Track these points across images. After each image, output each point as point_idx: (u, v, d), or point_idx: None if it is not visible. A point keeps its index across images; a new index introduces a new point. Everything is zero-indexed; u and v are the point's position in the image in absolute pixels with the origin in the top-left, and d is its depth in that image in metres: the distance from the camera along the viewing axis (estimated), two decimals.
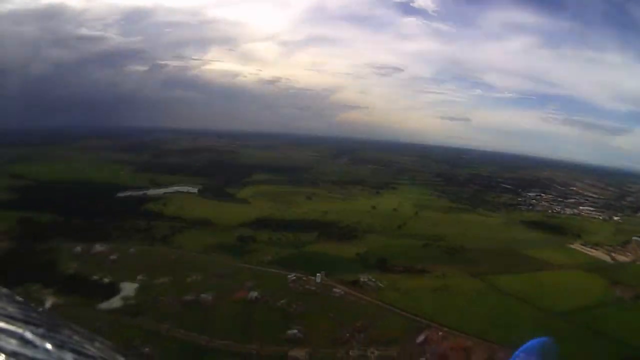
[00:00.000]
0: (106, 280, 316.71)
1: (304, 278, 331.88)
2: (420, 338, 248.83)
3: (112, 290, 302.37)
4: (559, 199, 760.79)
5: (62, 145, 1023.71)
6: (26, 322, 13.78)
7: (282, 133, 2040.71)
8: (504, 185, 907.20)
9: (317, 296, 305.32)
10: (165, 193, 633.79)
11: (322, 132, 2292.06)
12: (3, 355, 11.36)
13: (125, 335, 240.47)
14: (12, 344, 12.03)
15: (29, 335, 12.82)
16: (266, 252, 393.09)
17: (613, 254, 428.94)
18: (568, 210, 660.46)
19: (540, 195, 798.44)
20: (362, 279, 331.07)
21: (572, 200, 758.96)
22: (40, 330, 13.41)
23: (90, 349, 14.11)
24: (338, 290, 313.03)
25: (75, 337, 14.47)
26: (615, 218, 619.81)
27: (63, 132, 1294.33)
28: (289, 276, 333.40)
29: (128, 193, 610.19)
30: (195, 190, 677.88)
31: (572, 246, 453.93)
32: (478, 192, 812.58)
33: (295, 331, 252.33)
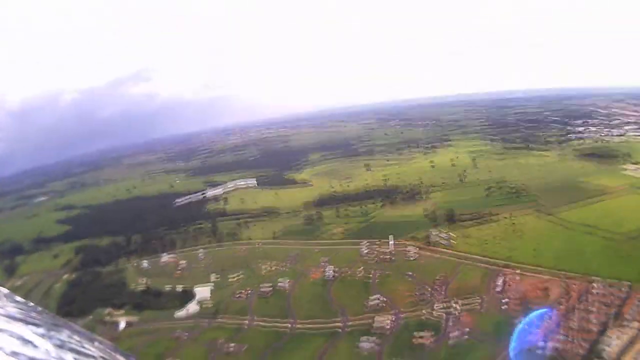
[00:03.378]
0: (179, 288, 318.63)
1: (377, 246, 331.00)
2: (499, 282, 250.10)
3: (187, 296, 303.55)
4: (605, 123, 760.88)
5: (109, 167, 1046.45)
6: (26, 322, 14.47)
7: (328, 109, 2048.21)
8: (552, 118, 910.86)
9: (392, 261, 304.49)
10: (224, 191, 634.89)
11: (366, 102, 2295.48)
12: (3, 355, 11.80)
13: (208, 337, 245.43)
14: (12, 344, 12.52)
15: (29, 335, 13.41)
16: (335, 228, 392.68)
17: None
18: (615, 134, 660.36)
19: (586, 123, 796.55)
20: (433, 235, 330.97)
21: (617, 123, 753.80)
22: (40, 330, 14.13)
23: (90, 349, 14.90)
24: (412, 250, 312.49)
25: (75, 337, 15.22)
26: None
27: (106, 154, 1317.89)
28: (361, 247, 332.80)
29: (186, 199, 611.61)
30: (254, 182, 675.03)
31: (625, 170, 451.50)
32: (529, 132, 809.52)
33: (376, 299, 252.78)
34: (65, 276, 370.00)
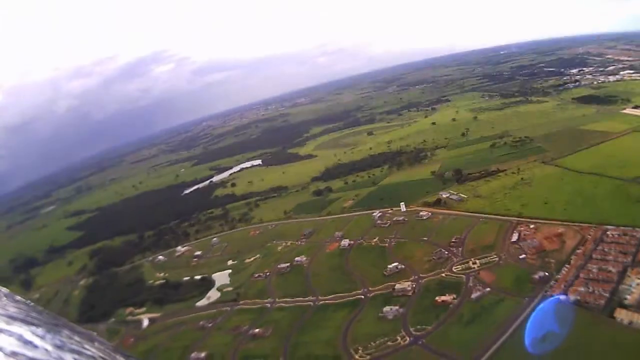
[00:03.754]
0: (197, 277, 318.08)
1: (389, 211, 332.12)
2: (514, 236, 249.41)
3: (206, 285, 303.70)
4: (600, 69, 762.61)
5: (113, 167, 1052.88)
6: (26, 322, 13.96)
7: (324, 83, 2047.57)
8: (547, 69, 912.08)
9: (406, 225, 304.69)
10: (230, 175, 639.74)
11: (360, 70, 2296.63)
12: (3, 355, 11.16)
13: (232, 323, 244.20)
14: (12, 344, 11.95)
15: (28, 335, 12.86)
16: (345, 198, 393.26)
17: None
18: (611, 78, 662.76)
19: (582, 69, 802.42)
20: (443, 196, 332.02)
21: (612, 67, 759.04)
22: (40, 330, 13.64)
23: (90, 349, 14.26)
24: (424, 213, 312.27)
25: (75, 337, 14.74)
26: None
27: (109, 154, 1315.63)
28: (373, 214, 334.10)
29: (194, 187, 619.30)
30: (259, 162, 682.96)
31: (625, 111, 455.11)
32: (525, 82, 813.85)
33: (395, 264, 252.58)
34: (83, 282, 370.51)
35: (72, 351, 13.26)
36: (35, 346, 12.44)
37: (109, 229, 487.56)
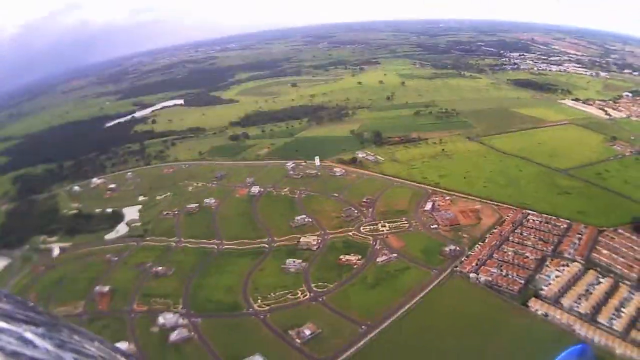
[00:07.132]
0: (108, 210, 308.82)
1: (303, 164, 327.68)
2: (428, 205, 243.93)
3: (116, 218, 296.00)
4: (543, 58, 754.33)
5: (44, 95, 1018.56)
6: (26, 322, 13.01)
7: (257, 32, 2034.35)
8: (485, 48, 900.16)
9: (318, 179, 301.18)
10: (152, 112, 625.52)
11: (295, 23, 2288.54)
12: (3, 355, 10.67)
13: (137, 260, 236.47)
14: (12, 344, 11.28)
15: (29, 335, 12.08)
16: (261, 146, 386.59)
17: (607, 110, 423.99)
18: (554, 68, 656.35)
19: (523, 55, 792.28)
20: (360, 156, 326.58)
21: (557, 58, 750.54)
22: (40, 330, 12.86)
23: (90, 349, 13.72)
24: (338, 170, 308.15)
25: (75, 337, 13.90)
26: (603, 74, 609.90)
27: (44, 81, 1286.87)
28: (287, 164, 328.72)
29: (116, 121, 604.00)
30: (181, 101, 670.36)
31: (563, 102, 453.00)
32: (461, 57, 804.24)
33: (302, 217, 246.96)
34: (4, 207, 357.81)
35: (72, 350, 12.87)
36: (36, 346, 12.12)
37: (33, 157, 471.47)
